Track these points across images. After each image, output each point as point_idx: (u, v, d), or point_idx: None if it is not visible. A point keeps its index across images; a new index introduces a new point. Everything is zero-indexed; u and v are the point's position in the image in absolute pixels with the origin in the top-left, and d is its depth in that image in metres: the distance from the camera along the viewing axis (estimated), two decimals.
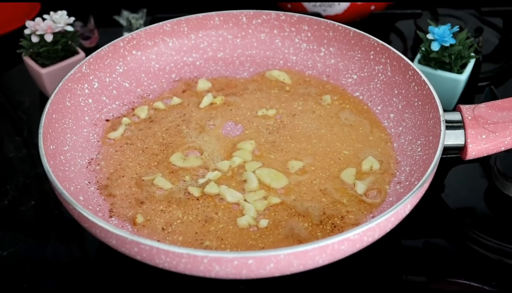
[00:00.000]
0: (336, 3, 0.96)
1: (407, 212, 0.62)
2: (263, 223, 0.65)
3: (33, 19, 0.84)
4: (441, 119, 0.68)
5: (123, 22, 0.96)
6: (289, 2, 0.99)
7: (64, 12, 0.85)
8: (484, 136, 0.68)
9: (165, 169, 0.71)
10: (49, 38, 0.82)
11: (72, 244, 0.71)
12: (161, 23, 0.84)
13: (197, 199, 0.67)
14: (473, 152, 0.68)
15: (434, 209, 0.72)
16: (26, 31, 0.84)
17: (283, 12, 0.85)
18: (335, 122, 0.77)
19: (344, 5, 0.96)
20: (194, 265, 0.56)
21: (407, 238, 0.71)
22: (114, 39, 0.81)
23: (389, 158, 0.72)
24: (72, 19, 0.85)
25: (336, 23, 0.83)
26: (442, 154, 0.66)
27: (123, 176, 0.70)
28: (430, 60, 0.82)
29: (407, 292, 0.66)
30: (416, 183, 0.63)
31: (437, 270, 0.68)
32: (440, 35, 0.79)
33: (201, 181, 0.69)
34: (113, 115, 0.78)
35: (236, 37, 0.86)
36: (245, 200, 0.67)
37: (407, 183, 0.68)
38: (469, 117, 0.69)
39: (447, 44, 0.80)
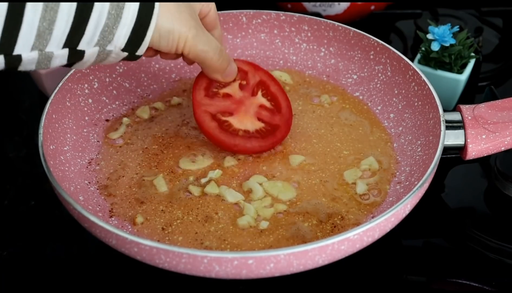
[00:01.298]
0: (336, 3, 0.96)
1: (407, 212, 0.62)
2: (264, 224, 0.65)
3: None
4: (441, 119, 0.68)
5: None
6: (289, 2, 0.99)
7: None
8: (484, 136, 0.68)
9: (166, 169, 0.71)
10: None
11: (72, 244, 0.71)
12: None
13: (197, 199, 0.67)
14: (473, 152, 0.68)
15: (434, 209, 0.73)
16: None
17: (283, 12, 0.85)
18: (335, 122, 0.77)
19: (344, 5, 0.96)
20: (194, 265, 0.56)
21: (407, 238, 0.71)
22: None
23: (389, 158, 0.72)
24: None
25: (336, 23, 0.83)
26: (442, 154, 0.66)
27: (123, 176, 0.70)
28: (430, 60, 0.82)
29: (407, 292, 0.66)
30: (416, 183, 0.64)
31: (437, 270, 0.68)
32: (440, 35, 0.79)
33: (203, 180, 0.69)
34: (113, 115, 0.78)
35: (236, 37, 0.86)
36: (244, 200, 0.67)
37: (407, 183, 0.68)
38: (469, 117, 0.69)
39: (447, 44, 0.80)
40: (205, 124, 0.70)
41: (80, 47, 0.57)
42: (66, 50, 0.56)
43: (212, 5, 0.69)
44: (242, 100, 0.72)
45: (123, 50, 0.59)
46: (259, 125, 0.71)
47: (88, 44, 0.57)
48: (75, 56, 0.57)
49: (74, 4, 0.53)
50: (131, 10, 0.57)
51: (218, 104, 0.71)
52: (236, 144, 0.69)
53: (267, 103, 0.73)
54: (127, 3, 0.57)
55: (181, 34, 0.62)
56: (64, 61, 0.57)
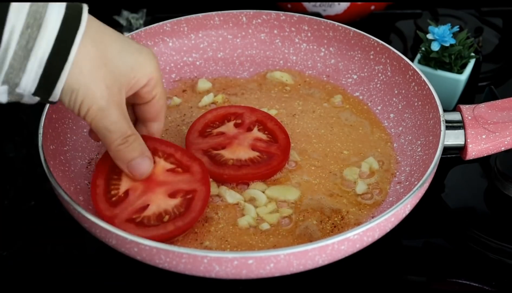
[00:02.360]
0: (336, 3, 0.96)
1: (407, 212, 0.62)
2: (265, 226, 0.64)
3: None
4: (441, 119, 0.68)
5: (123, 22, 0.96)
6: (289, 2, 0.99)
7: None
8: (484, 137, 0.68)
9: None
10: None
11: (72, 244, 0.71)
12: (161, 23, 0.84)
13: None
14: (473, 152, 0.68)
15: (434, 209, 0.72)
16: None
17: (283, 12, 0.85)
18: (335, 122, 0.77)
19: (344, 5, 0.96)
20: (194, 265, 0.56)
21: (407, 238, 0.71)
22: None
23: (389, 158, 0.72)
24: None
25: (336, 23, 0.83)
26: (442, 154, 0.66)
27: None
28: (430, 60, 0.82)
29: (407, 292, 0.66)
30: (416, 183, 0.63)
31: (437, 270, 0.68)
32: (440, 35, 0.79)
33: None
34: None
35: (236, 37, 0.86)
36: (245, 201, 0.67)
37: (407, 183, 0.68)
38: (469, 117, 0.69)
39: (447, 44, 0.80)
40: None
41: None
42: None
43: (159, 92, 0.62)
44: (236, 136, 0.71)
45: (34, 95, 0.55)
46: (253, 154, 0.70)
47: None
48: None
49: None
50: (39, 55, 0.52)
51: (210, 141, 0.71)
52: (225, 173, 0.68)
53: (264, 136, 0.72)
54: (36, 44, 0.51)
55: (84, 100, 0.55)
56: None
